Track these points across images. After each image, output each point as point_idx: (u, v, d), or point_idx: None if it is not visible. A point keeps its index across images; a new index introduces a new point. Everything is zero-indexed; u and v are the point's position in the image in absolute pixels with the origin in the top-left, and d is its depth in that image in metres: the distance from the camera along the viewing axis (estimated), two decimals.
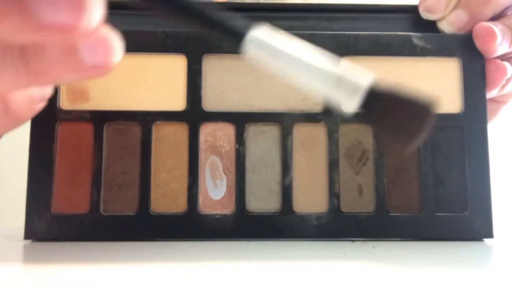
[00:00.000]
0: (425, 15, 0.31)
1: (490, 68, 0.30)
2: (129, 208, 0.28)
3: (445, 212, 0.29)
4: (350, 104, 0.20)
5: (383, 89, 0.20)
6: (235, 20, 0.20)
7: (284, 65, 0.20)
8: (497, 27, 0.29)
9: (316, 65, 0.20)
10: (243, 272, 0.21)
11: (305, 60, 0.20)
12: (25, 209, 0.28)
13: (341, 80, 0.20)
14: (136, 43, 0.29)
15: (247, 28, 0.20)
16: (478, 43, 0.30)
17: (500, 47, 0.30)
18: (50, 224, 0.28)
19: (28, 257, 0.25)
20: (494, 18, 0.31)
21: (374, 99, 0.20)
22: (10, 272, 0.21)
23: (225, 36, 0.21)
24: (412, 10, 0.32)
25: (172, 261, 0.23)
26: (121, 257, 0.24)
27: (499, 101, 0.33)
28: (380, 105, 0.20)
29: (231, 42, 0.20)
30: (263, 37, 0.20)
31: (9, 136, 0.28)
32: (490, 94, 0.31)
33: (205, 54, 0.30)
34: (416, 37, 0.30)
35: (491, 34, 0.29)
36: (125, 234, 0.28)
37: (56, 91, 0.29)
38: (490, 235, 0.29)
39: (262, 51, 0.20)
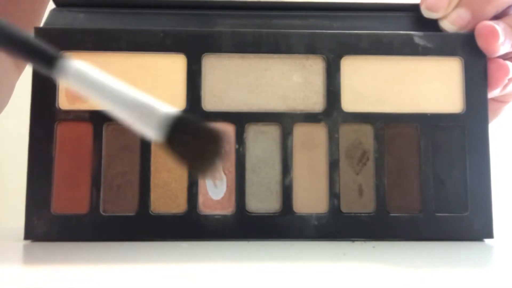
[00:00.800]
0: (426, 13, 0.31)
1: (492, 68, 0.30)
2: (129, 208, 0.28)
3: (445, 213, 0.29)
4: (152, 133, 0.21)
5: (182, 120, 0.21)
6: (44, 44, 0.21)
7: (96, 94, 0.22)
8: (499, 26, 0.29)
9: (123, 95, 0.22)
10: (243, 272, 0.21)
11: (114, 90, 0.22)
12: (25, 209, 0.28)
13: (141, 109, 0.21)
14: (135, 42, 0.29)
15: (58, 53, 0.21)
16: (480, 42, 0.29)
17: (503, 46, 0.29)
18: (50, 224, 0.28)
19: (28, 257, 0.25)
20: (496, 17, 0.31)
21: (174, 129, 0.21)
22: (10, 272, 0.21)
23: (35, 57, 0.22)
24: (414, 8, 0.31)
25: (172, 261, 0.23)
26: (121, 257, 0.24)
27: (501, 100, 0.33)
28: (180, 135, 0.21)
29: (40, 64, 0.21)
30: (80, 66, 0.21)
31: (8, 136, 0.28)
32: (492, 94, 0.31)
33: (205, 54, 0.29)
34: (417, 36, 0.30)
35: (494, 33, 0.29)
36: (125, 234, 0.28)
37: (55, 91, 0.29)
38: (490, 235, 0.29)
39: (78, 80, 0.21)
